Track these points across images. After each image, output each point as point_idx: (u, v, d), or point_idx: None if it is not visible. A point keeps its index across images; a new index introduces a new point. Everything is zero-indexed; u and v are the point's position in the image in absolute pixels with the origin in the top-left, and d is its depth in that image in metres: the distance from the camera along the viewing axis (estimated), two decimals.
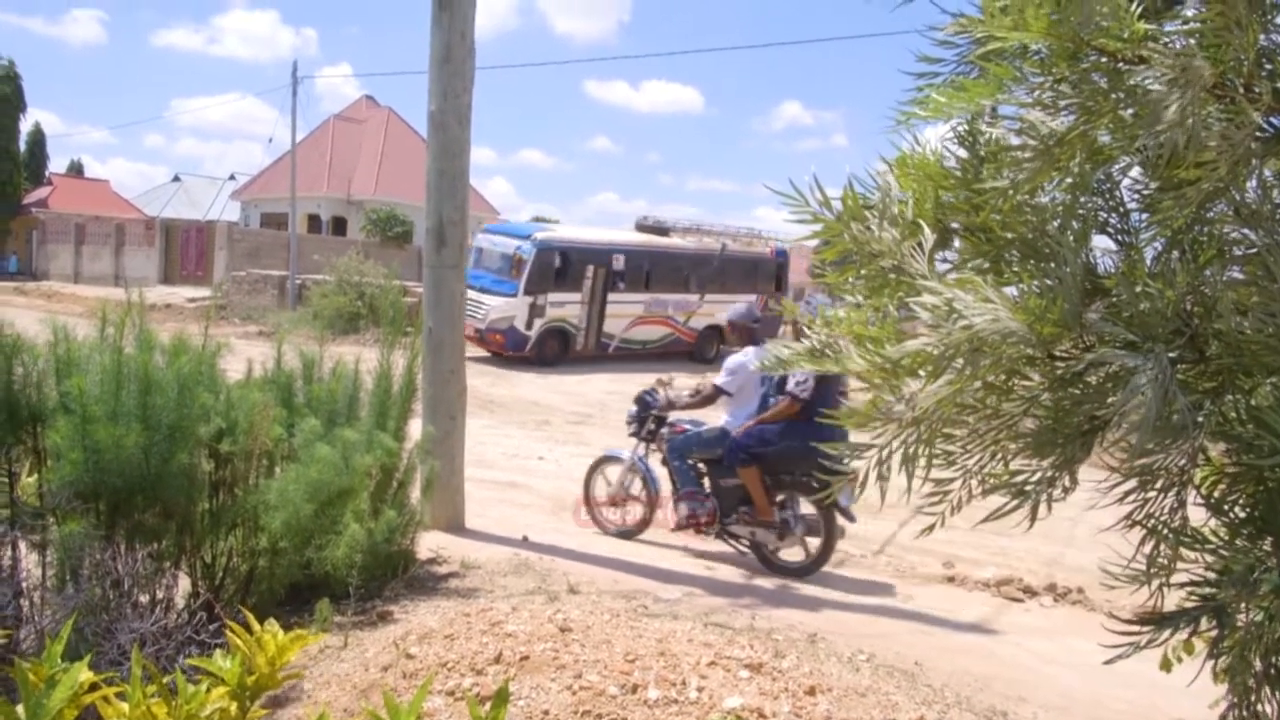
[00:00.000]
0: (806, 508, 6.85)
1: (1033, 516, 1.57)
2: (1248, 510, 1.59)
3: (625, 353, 21.93)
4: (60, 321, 4.38)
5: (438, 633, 3.95)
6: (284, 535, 4.50)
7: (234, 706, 1.84)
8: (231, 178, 53.75)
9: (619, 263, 21.69)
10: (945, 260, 1.79)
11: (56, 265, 41.83)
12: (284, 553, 4.59)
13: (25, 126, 48.16)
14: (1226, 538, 1.56)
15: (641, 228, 23.91)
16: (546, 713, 3.21)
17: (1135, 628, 1.56)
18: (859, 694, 3.76)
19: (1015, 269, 1.69)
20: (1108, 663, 1.54)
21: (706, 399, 7.29)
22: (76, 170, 59.26)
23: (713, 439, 7.08)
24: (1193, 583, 1.54)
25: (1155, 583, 1.55)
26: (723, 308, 22.75)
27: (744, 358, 7.03)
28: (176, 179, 58.36)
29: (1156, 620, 1.53)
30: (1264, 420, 1.46)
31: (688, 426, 7.35)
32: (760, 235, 25.24)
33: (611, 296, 21.49)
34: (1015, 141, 1.64)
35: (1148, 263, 1.67)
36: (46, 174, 51.43)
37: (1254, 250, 1.56)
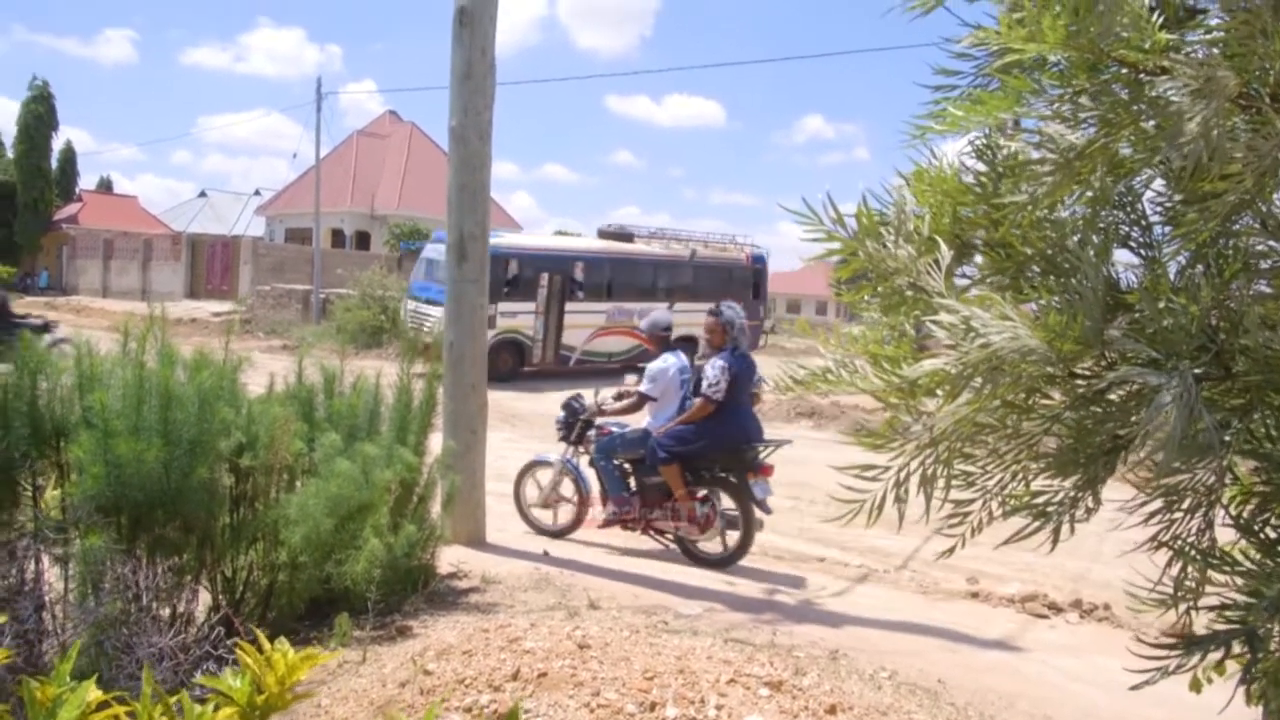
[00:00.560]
0: (726, 503, 7.21)
1: (1055, 538, 1.53)
2: (1279, 531, 1.55)
3: (590, 366, 20.30)
4: (83, 336, 4.41)
5: (456, 649, 3.92)
6: (304, 550, 4.50)
7: None
8: (257, 193, 54.34)
9: (578, 271, 20.65)
10: (963, 277, 1.76)
11: (85, 280, 42.40)
12: (304, 567, 4.59)
13: (57, 144, 49.05)
14: (1257, 559, 1.52)
15: (604, 234, 22.94)
16: None
17: (1164, 651, 1.52)
18: (880, 713, 3.71)
19: (1035, 285, 1.66)
20: (1135, 688, 1.50)
21: (632, 405, 7.68)
22: (106, 187, 60.15)
23: (636, 440, 7.48)
24: (1223, 606, 1.50)
25: (1183, 606, 1.51)
26: (697, 317, 22.16)
27: (663, 364, 7.48)
28: (203, 194, 59.08)
29: (1185, 644, 1.48)
30: None
31: (613, 429, 7.74)
32: (735, 240, 24.22)
33: (570, 306, 20.30)
34: (1034, 155, 1.61)
35: (1171, 277, 1.63)
36: (77, 190, 52.22)
37: None
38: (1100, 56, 1.42)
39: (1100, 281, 1.51)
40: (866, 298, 1.75)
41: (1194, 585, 1.53)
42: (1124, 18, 1.35)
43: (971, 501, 1.62)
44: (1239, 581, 1.52)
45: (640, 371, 7.66)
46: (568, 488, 7.88)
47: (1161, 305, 1.51)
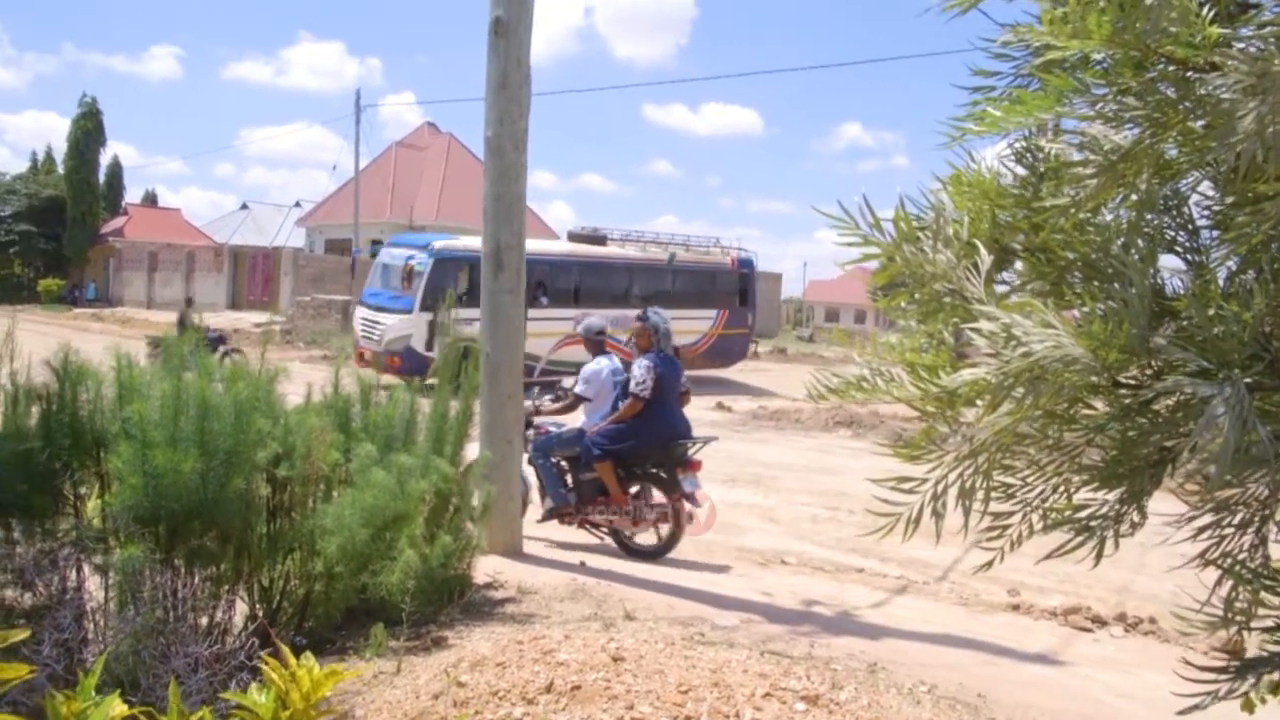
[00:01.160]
0: (658, 497, 7.65)
1: (1099, 554, 1.48)
2: None
3: (558, 378, 19.18)
4: (124, 348, 4.46)
5: (490, 660, 3.91)
6: (339, 560, 4.51)
7: None
8: (297, 205, 55.01)
9: (542, 275, 19.65)
10: (1003, 283, 1.71)
11: (131, 292, 43.16)
12: (340, 577, 4.59)
13: (105, 159, 50.09)
14: None
15: (575, 236, 22.34)
16: None
17: (1213, 674, 1.46)
18: None
19: (1078, 291, 1.61)
20: (1184, 712, 1.44)
21: (568, 405, 8.30)
22: (151, 200, 61.18)
23: (571, 438, 7.92)
24: (1277, 626, 1.44)
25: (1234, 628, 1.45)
26: (678, 325, 20.96)
27: (597, 366, 8.07)
28: (244, 207, 59.96)
29: (1239, 667, 1.42)
30: None
31: (550, 429, 8.18)
32: (721, 244, 23.43)
33: (533, 313, 18.86)
34: (1077, 157, 1.56)
35: (1221, 283, 1.57)
36: (123, 204, 53.24)
37: None
38: (1147, 53, 1.37)
39: (1146, 288, 1.45)
40: (904, 304, 1.71)
41: (1246, 606, 1.47)
42: (1172, 12, 1.30)
43: (1011, 514, 1.58)
44: None
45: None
46: None
47: (1211, 312, 1.45)
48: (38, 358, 4.28)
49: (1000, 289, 1.66)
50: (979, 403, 1.47)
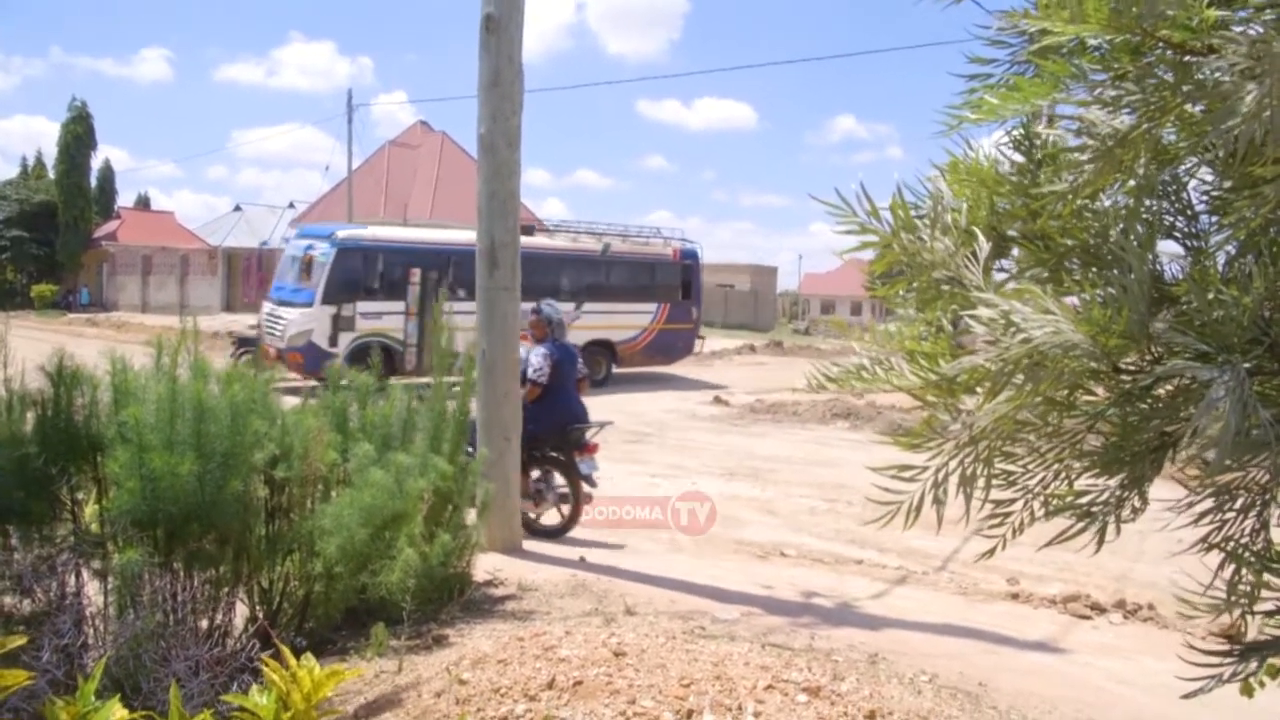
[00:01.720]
0: (559, 479, 7.98)
1: (1100, 539, 1.47)
2: None
3: None
4: (118, 352, 4.43)
5: (491, 658, 3.91)
6: (339, 560, 4.50)
7: None
8: (290, 206, 54.73)
9: (460, 266, 16.84)
10: (1002, 270, 1.70)
11: (125, 296, 43.06)
12: (339, 577, 4.58)
13: (96, 163, 49.92)
14: None
15: None
16: None
17: (1216, 658, 1.46)
18: (920, 717, 3.65)
19: (1076, 278, 1.60)
20: (1187, 696, 1.44)
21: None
22: (143, 203, 61.03)
23: (473, 425, 7.98)
24: (1278, 609, 1.44)
25: (1236, 611, 1.44)
26: (614, 319, 20.18)
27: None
28: (238, 209, 59.67)
29: (1240, 651, 1.42)
30: None
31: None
32: (661, 234, 22.42)
33: (452, 307, 18.46)
34: (1074, 143, 1.55)
35: (1220, 267, 1.57)
36: (115, 208, 53.04)
37: None
38: (1144, 37, 1.36)
39: (1145, 273, 1.45)
40: (902, 293, 1.70)
41: (1248, 589, 1.46)
42: None
43: (1012, 501, 1.57)
44: None
45: None
46: None
47: (1210, 297, 1.44)
48: (32, 364, 4.25)
49: (999, 276, 1.65)
50: (979, 390, 1.46)
